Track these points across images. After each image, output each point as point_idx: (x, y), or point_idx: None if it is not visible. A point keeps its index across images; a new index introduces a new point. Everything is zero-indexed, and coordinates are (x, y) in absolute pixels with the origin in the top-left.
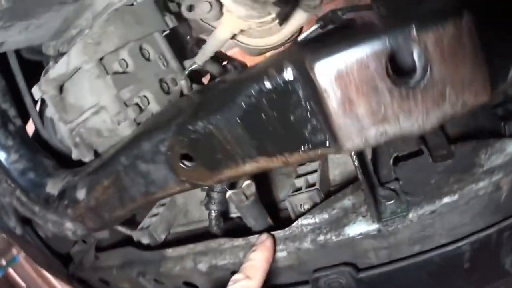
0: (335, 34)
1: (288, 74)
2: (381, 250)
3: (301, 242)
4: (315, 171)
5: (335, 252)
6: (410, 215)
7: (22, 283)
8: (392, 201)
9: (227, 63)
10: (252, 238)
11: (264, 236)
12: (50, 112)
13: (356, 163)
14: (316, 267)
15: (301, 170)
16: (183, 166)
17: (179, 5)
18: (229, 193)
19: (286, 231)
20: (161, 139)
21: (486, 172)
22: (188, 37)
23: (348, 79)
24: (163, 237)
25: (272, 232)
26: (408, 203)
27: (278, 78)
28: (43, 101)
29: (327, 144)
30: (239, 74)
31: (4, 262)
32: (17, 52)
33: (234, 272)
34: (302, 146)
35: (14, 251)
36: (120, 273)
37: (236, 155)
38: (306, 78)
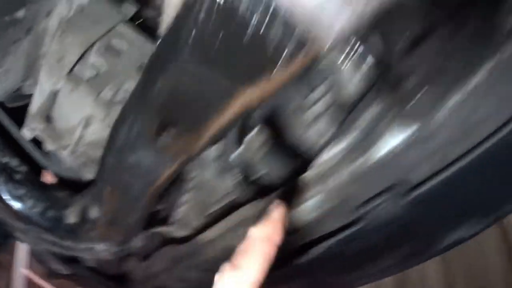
0: None
1: None
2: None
3: (334, 179)
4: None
5: (376, 175)
6: None
7: None
8: None
9: None
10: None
11: (273, 205)
12: (47, 145)
13: None
14: (360, 201)
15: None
16: (164, 139)
17: None
18: (235, 154)
19: (313, 171)
20: (131, 120)
21: None
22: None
23: None
24: (197, 223)
25: (299, 179)
26: None
27: None
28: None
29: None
30: None
31: None
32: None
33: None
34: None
35: None
36: (169, 275)
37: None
38: None
